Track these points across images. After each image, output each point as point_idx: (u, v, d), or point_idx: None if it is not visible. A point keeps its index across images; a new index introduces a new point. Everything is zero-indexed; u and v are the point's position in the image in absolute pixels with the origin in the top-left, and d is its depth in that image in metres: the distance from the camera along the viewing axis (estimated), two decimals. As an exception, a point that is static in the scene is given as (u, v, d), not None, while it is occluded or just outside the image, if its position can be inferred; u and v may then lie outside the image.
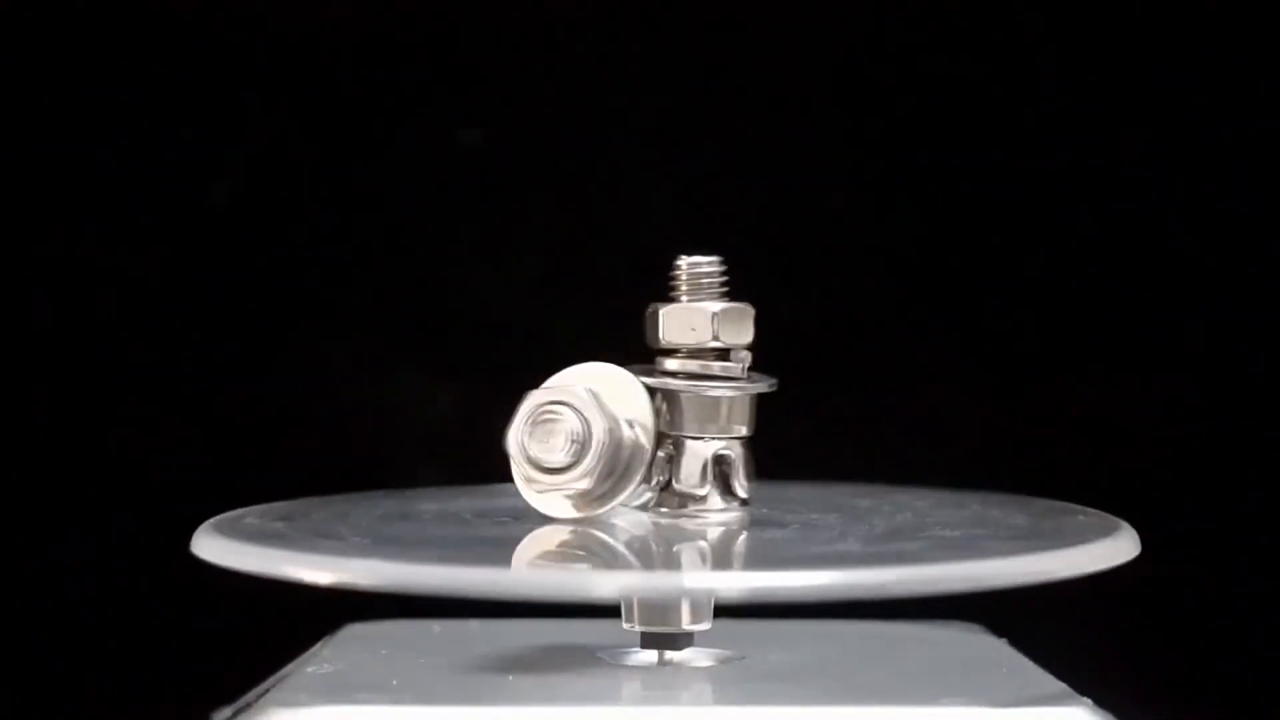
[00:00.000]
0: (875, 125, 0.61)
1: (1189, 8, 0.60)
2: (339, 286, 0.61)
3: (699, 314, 0.41)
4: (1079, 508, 0.42)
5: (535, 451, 0.40)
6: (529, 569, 0.37)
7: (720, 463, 0.41)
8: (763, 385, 0.42)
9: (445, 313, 0.61)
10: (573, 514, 0.41)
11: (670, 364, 0.41)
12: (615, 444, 0.40)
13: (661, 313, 0.41)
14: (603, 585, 0.35)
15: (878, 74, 0.61)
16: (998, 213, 0.61)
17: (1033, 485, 0.45)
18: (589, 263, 0.60)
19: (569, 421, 0.40)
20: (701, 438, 0.41)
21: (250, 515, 0.41)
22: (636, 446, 0.41)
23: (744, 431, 0.41)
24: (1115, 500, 0.43)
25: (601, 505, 0.41)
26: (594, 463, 0.40)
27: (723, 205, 0.60)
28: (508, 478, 0.41)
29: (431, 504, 0.44)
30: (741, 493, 0.41)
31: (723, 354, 0.41)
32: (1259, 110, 0.60)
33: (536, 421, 0.40)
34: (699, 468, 0.41)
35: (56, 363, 0.60)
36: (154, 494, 0.59)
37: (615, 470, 0.40)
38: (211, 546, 0.38)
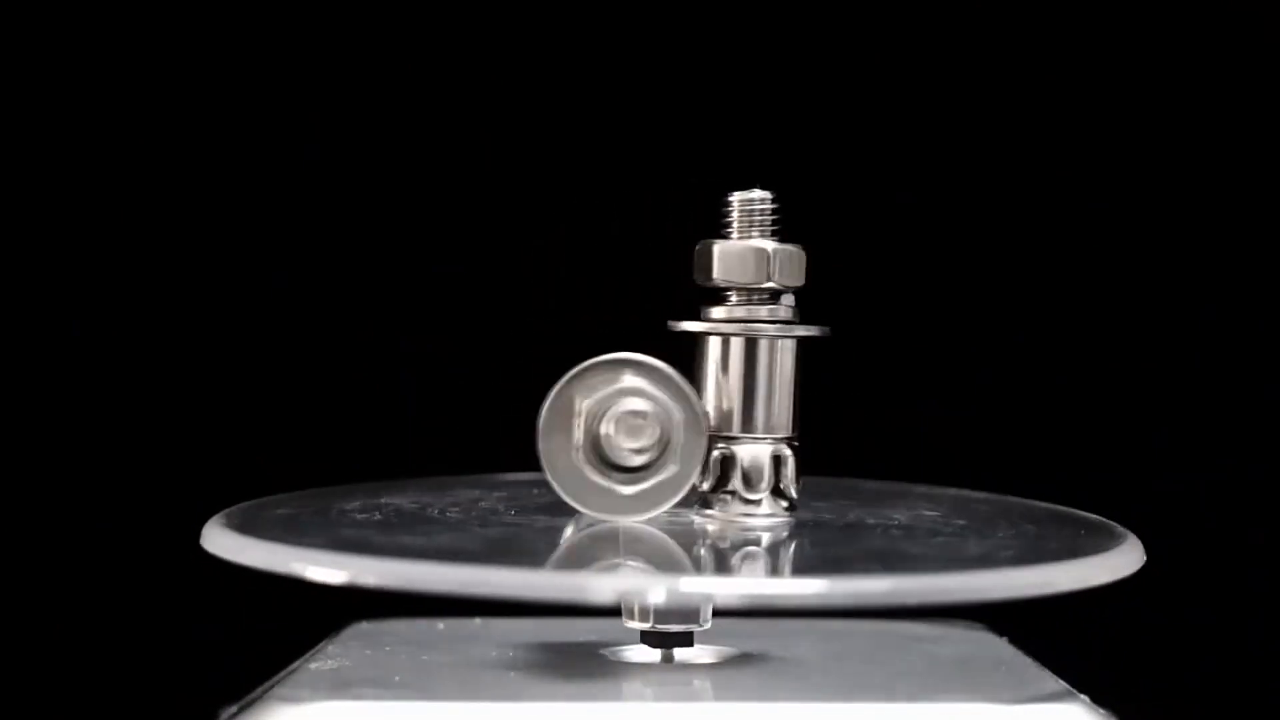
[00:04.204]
0: (875, 128, 0.61)
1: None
2: (342, 278, 0.61)
3: (749, 251, 0.41)
4: (1084, 515, 0.42)
5: (620, 450, 0.40)
6: (528, 572, 0.37)
7: (776, 463, 0.41)
8: (813, 330, 0.41)
9: (449, 302, 0.61)
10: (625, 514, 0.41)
11: (717, 311, 0.41)
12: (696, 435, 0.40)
13: (716, 250, 0.41)
14: (600, 590, 0.36)
15: (878, 73, 0.61)
16: (998, 213, 0.61)
17: (1036, 488, 0.45)
18: (598, 253, 0.60)
19: (655, 419, 0.40)
20: (761, 439, 0.41)
21: (257, 508, 0.41)
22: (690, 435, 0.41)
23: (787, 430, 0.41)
24: (1115, 501, 0.43)
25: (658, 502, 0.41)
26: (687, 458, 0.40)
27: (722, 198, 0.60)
28: (514, 468, 0.42)
29: (436, 497, 0.44)
30: (792, 493, 0.41)
31: (774, 297, 0.41)
32: (1258, 110, 0.60)
33: (619, 421, 0.40)
34: (758, 468, 0.41)
35: (63, 358, 0.60)
36: (159, 490, 0.60)
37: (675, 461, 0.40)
38: (222, 542, 0.38)
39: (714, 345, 0.41)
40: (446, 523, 0.41)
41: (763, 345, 0.41)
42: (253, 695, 0.37)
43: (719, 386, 0.41)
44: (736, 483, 0.41)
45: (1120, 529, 0.40)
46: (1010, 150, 0.61)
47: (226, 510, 0.40)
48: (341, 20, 0.60)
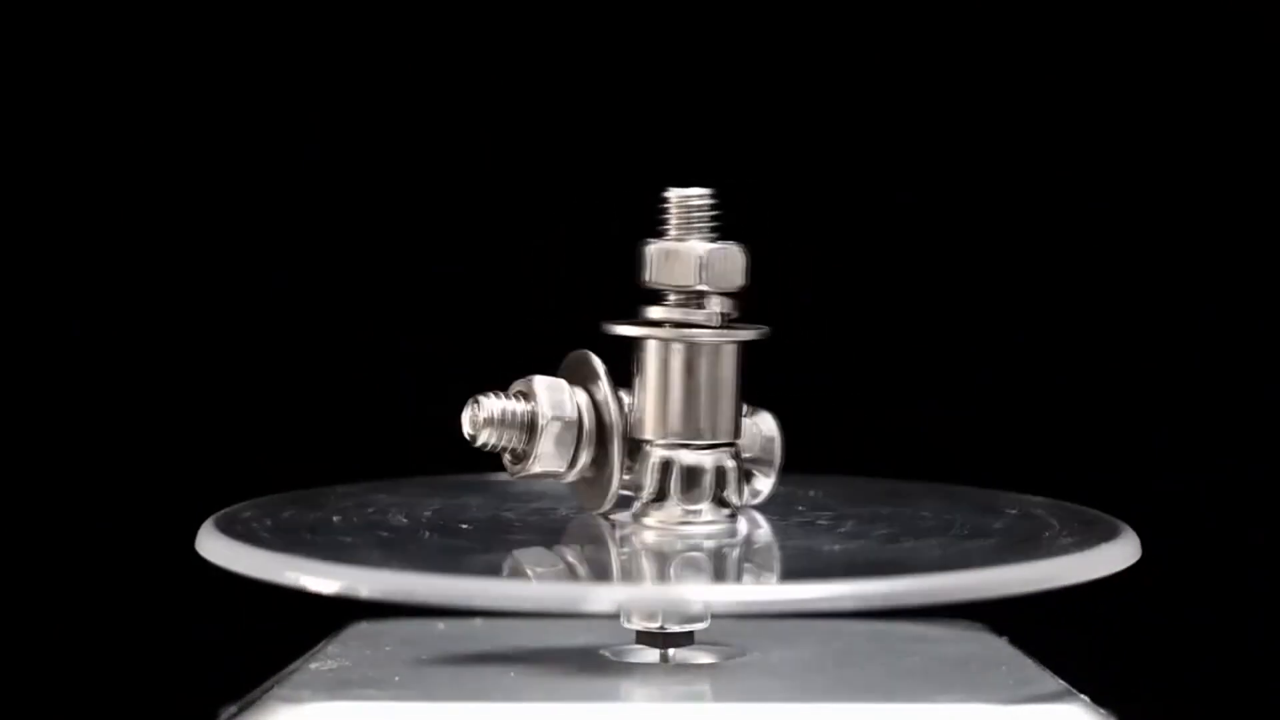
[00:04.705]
0: (876, 128, 0.61)
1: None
2: (342, 278, 0.61)
3: (685, 254, 0.40)
4: (1080, 508, 0.43)
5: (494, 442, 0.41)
6: (527, 582, 0.37)
7: (665, 470, 0.40)
8: (750, 333, 0.41)
9: (449, 302, 0.61)
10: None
11: (654, 312, 0.41)
12: (566, 425, 0.40)
13: (648, 251, 0.41)
14: (599, 599, 0.36)
15: (879, 75, 0.61)
16: (998, 213, 0.61)
17: (1036, 488, 0.45)
18: (598, 253, 0.60)
19: (487, 409, 0.40)
20: (652, 442, 0.40)
21: (251, 512, 0.41)
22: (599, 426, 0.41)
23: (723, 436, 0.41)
24: (1115, 501, 0.43)
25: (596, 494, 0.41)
26: (546, 446, 0.40)
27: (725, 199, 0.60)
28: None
29: (431, 498, 0.44)
30: (735, 500, 0.41)
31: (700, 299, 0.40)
32: (1258, 110, 0.60)
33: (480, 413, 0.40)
34: (663, 476, 0.40)
35: (63, 358, 0.60)
36: (158, 489, 0.60)
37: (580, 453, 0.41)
38: (215, 548, 0.38)
39: (643, 349, 0.41)
40: (443, 526, 0.41)
41: (668, 349, 0.40)
42: (253, 695, 0.37)
43: (640, 390, 0.41)
44: (646, 489, 0.41)
45: (1115, 521, 0.40)
46: (1010, 150, 0.61)
47: (221, 513, 0.40)
48: (341, 20, 0.60)
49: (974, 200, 0.61)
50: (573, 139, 0.61)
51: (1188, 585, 0.59)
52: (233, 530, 0.39)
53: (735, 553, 0.40)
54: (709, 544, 0.40)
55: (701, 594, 0.37)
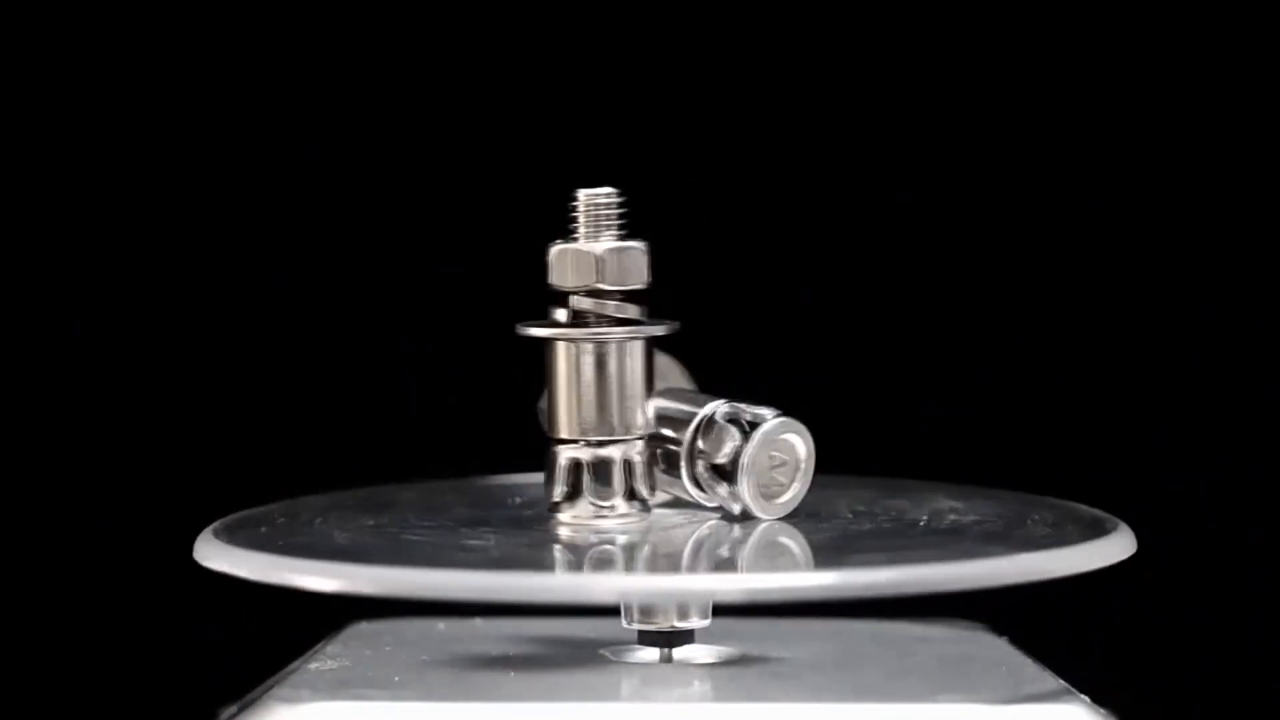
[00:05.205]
0: (876, 128, 0.61)
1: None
2: (342, 278, 0.61)
3: (586, 254, 0.41)
4: (1075, 505, 0.43)
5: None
6: (527, 575, 0.37)
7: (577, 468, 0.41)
8: (658, 329, 0.41)
9: (449, 302, 0.61)
10: None
11: (560, 313, 0.41)
12: None
13: (553, 253, 0.41)
14: (601, 589, 0.36)
15: (880, 74, 0.61)
16: (998, 213, 0.61)
17: (1036, 488, 0.45)
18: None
19: None
20: (574, 441, 0.40)
21: (251, 518, 0.41)
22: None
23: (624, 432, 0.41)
24: (1115, 501, 0.43)
25: None
26: None
27: (725, 199, 0.60)
28: (514, 469, 0.42)
29: (426, 499, 0.44)
30: (611, 498, 0.41)
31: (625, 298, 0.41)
32: (1258, 110, 0.60)
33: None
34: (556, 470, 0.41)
35: (63, 358, 0.60)
36: (159, 489, 0.60)
37: None
38: (214, 554, 0.38)
39: (552, 350, 0.41)
40: (442, 526, 0.41)
41: (565, 349, 0.41)
42: (253, 695, 0.37)
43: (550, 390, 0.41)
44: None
45: (1110, 517, 0.40)
46: (1010, 150, 0.61)
47: (219, 521, 0.40)
48: (341, 20, 0.60)
49: (974, 200, 0.61)
50: (573, 139, 0.61)
51: (1188, 585, 0.59)
52: (229, 537, 0.39)
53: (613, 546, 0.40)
54: (596, 538, 0.40)
55: (708, 584, 0.37)
